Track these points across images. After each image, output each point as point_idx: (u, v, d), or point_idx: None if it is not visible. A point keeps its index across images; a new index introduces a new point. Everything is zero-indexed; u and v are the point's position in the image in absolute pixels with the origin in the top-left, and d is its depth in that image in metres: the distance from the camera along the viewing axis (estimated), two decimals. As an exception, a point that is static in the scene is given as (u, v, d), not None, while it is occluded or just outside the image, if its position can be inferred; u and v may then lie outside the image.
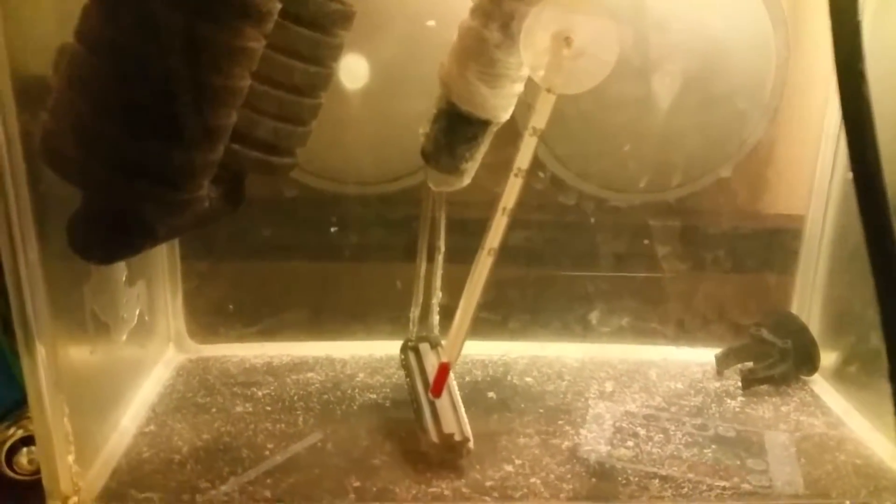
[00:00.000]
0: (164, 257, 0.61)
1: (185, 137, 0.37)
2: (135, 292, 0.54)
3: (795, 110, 0.63)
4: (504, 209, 0.40)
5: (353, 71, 0.56)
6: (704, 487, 0.47)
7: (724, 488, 0.47)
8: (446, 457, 0.48)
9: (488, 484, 0.47)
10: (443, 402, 0.50)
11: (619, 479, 0.48)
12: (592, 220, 0.63)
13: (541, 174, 0.56)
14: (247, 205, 0.49)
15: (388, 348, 0.61)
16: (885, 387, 0.59)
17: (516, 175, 0.40)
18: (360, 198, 0.62)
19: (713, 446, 0.52)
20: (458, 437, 0.48)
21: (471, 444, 0.48)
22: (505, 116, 0.44)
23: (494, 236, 0.41)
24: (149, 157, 0.37)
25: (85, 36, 0.36)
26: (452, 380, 0.53)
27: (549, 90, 0.38)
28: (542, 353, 0.65)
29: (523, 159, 0.39)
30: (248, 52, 0.37)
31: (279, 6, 0.38)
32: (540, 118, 0.39)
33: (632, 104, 0.58)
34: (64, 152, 0.37)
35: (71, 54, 0.37)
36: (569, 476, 0.48)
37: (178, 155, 0.37)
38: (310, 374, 0.60)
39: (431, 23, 0.49)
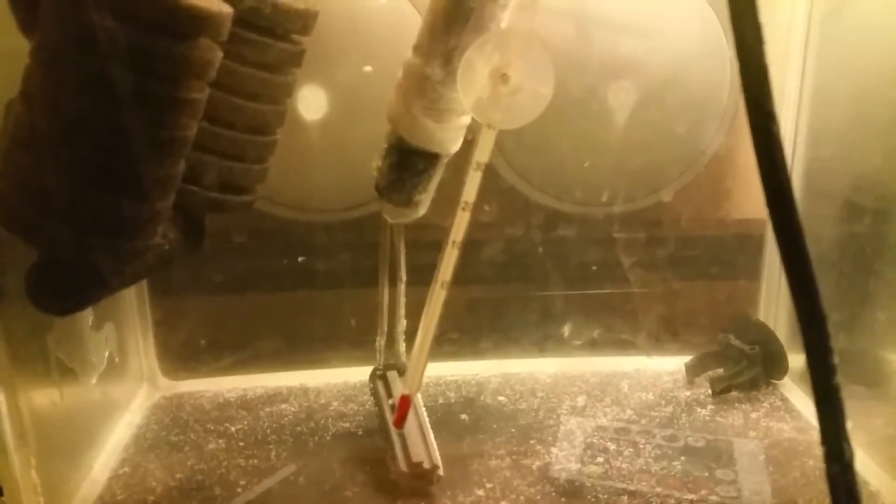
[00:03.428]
0: (132, 297, 0.61)
1: (132, 189, 0.38)
2: (103, 335, 0.54)
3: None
4: (454, 242, 0.41)
5: (312, 101, 0.56)
6: (672, 501, 0.48)
7: (692, 501, 0.48)
8: (416, 485, 0.48)
9: (459, 510, 0.47)
10: (411, 430, 0.51)
11: (589, 496, 0.48)
12: (557, 233, 0.64)
13: (486, 207, 0.57)
14: (213, 237, 0.50)
15: (361, 374, 0.61)
16: (852, 388, 0.60)
17: (463, 209, 0.40)
18: (326, 225, 0.62)
19: (682, 458, 0.53)
20: (426, 465, 0.48)
21: (440, 471, 0.48)
22: (454, 148, 0.45)
23: (446, 270, 0.41)
24: (97, 210, 0.37)
25: (28, 96, 0.36)
26: (421, 406, 0.54)
27: (489, 126, 0.39)
28: (515, 371, 0.66)
29: (469, 193, 0.40)
30: (192, 103, 0.38)
31: (220, 55, 0.38)
32: (483, 153, 0.39)
33: (589, 116, 0.59)
34: (14, 210, 0.38)
35: (16, 114, 0.37)
36: (539, 497, 0.48)
37: (127, 206, 0.38)
38: (283, 406, 0.60)
39: (368, 68, 0.50)
